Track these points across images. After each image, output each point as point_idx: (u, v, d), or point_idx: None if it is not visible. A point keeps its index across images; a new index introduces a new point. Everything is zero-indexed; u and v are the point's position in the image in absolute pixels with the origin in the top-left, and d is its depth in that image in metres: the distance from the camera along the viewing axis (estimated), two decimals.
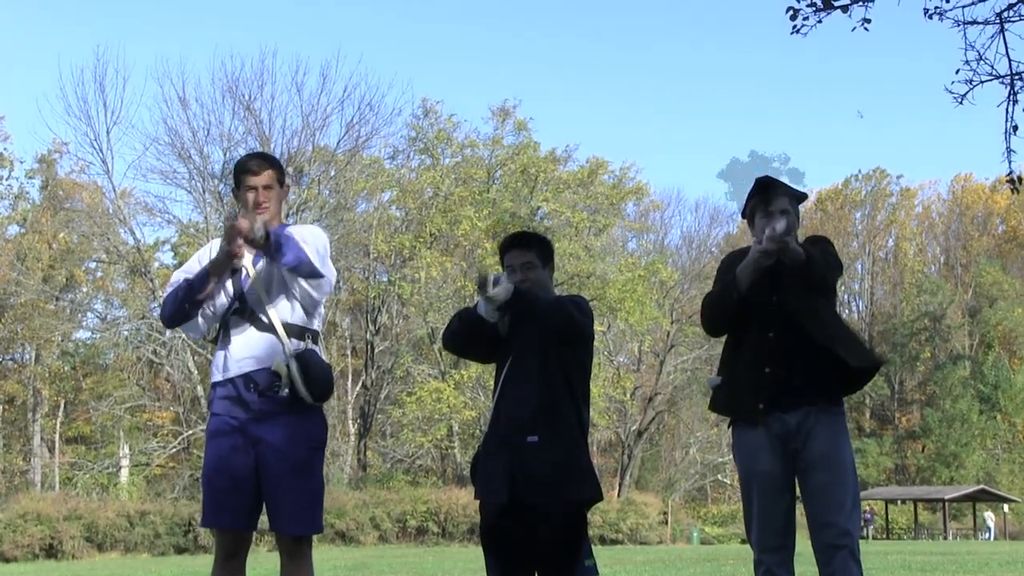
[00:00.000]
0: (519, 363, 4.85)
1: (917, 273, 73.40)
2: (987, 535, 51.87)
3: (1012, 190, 7.34)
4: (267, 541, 29.31)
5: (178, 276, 4.75)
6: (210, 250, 4.77)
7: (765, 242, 4.48)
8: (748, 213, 4.83)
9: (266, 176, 4.73)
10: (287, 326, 4.61)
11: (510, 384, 4.82)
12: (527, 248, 4.98)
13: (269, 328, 4.60)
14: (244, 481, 4.53)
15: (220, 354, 4.67)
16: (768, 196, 4.72)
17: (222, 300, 4.71)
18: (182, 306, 4.65)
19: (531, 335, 4.84)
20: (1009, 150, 6.95)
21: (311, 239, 4.62)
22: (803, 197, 4.84)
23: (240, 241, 4.50)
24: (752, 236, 4.81)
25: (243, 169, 4.75)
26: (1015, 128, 6.96)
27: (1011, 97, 6.89)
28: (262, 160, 4.83)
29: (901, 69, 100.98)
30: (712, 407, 4.96)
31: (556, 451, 4.68)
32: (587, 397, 4.93)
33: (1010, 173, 7.14)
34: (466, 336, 4.97)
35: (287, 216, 43.37)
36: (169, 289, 4.74)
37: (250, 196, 4.70)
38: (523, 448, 4.68)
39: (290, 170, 41.89)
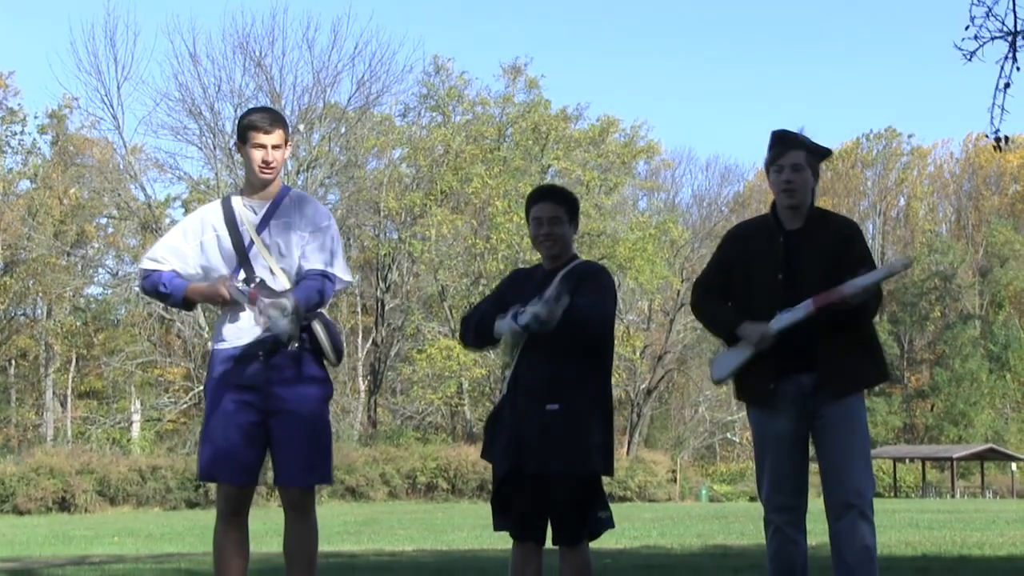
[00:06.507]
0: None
1: (928, 232, 73.09)
2: None
3: (996, 148, 7.20)
4: (276, 497, 29.50)
5: (156, 256, 4.63)
6: (187, 232, 4.65)
7: (758, 341, 4.57)
8: (766, 164, 4.79)
9: (277, 135, 4.58)
10: None
11: (531, 350, 4.67)
12: (558, 202, 4.84)
13: (281, 296, 4.48)
14: (249, 436, 4.49)
15: (230, 326, 4.57)
16: (781, 149, 4.68)
17: (223, 270, 4.60)
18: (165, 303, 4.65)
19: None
20: (996, 106, 6.78)
21: (328, 242, 4.61)
22: (825, 153, 4.77)
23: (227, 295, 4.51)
24: (769, 187, 4.80)
25: (252, 125, 4.59)
26: (1007, 85, 6.81)
27: (1010, 53, 6.75)
28: (274, 117, 4.67)
29: (913, 26, 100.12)
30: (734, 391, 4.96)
31: (574, 422, 4.59)
32: (610, 369, 4.84)
33: (996, 132, 6.98)
34: (481, 342, 4.93)
35: (297, 172, 43.52)
36: (149, 270, 4.63)
37: (257, 154, 4.56)
38: (542, 416, 4.58)
39: (300, 127, 41.82)
